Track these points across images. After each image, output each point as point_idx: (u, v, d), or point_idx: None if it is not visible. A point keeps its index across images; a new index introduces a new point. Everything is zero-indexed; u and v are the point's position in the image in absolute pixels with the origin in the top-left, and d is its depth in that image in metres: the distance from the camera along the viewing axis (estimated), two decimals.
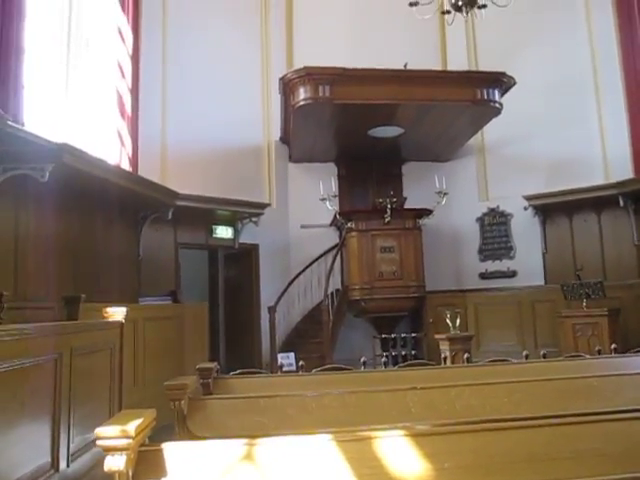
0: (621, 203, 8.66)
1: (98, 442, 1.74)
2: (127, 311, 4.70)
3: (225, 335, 10.30)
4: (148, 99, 8.60)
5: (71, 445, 3.59)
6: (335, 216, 9.39)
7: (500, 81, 8.49)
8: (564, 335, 7.90)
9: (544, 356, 4.50)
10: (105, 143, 7.70)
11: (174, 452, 1.91)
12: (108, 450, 1.74)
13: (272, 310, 9.09)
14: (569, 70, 9.77)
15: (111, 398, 4.41)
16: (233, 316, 10.19)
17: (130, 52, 8.22)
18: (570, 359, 4.43)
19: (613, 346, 4.77)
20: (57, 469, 3.41)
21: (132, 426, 1.75)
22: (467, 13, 7.05)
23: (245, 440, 1.98)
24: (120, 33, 8.10)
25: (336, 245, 9.78)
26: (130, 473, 1.78)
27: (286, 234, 10.37)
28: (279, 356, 8.18)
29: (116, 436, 1.73)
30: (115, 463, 1.73)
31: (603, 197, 8.83)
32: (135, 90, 8.29)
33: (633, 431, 2.18)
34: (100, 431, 1.74)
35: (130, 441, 1.74)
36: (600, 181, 9.08)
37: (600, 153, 9.50)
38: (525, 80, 8.99)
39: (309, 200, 9.62)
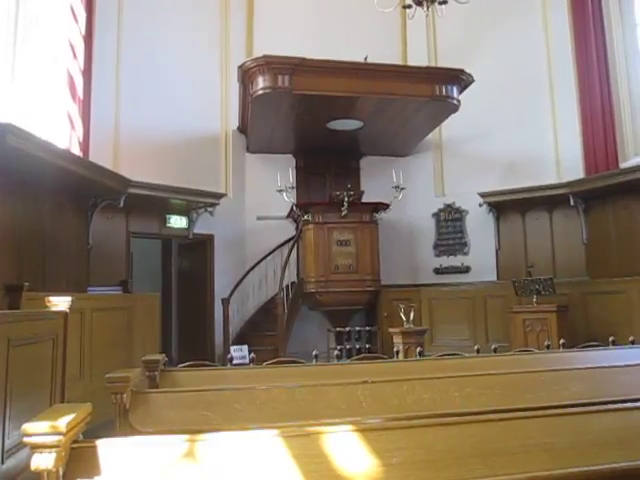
0: (571, 202, 8.86)
1: (25, 439, 1.61)
2: (72, 301, 4.52)
3: (178, 327, 10.13)
4: (101, 82, 8.31)
5: (6, 441, 3.41)
6: (292, 208, 9.29)
7: (459, 78, 8.55)
8: (515, 330, 8.04)
9: (495, 350, 4.55)
10: (54, 126, 7.38)
11: (110, 449, 1.80)
12: (36, 447, 1.61)
13: (226, 302, 8.96)
14: (525, 70, 9.93)
15: (53, 391, 4.23)
16: (186, 308, 10.01)
17: (83, 32, 7.90)
18: (520, 354, 4.49)
19: (561, 341, 4.87)
20: None
21: (63, 422, 1.62)
22: (428, 8, 7.08)
23: (187, 436, 1.88)
24: (72, 11, 7.76)
25: (292, 237, 9.69)
26: (60, 472, 1.66)
27: (242, 225, 10.21)
28: (232, 349, 8.06)
29: (45, 432, 1.60)
30: (43, 461, 1.60)
31: (555, 196, 9.03)
32: (87, 72, 7.99)
33: (580, 425, 2.19)
34: (27, 427, 1.61)
35: (60, 438, 1.62)
36: (552, 180, 9.28)
37: (553, 153, 9.70)
38: (483, 78, 9.07)
39: (266, 191, 9.47)
